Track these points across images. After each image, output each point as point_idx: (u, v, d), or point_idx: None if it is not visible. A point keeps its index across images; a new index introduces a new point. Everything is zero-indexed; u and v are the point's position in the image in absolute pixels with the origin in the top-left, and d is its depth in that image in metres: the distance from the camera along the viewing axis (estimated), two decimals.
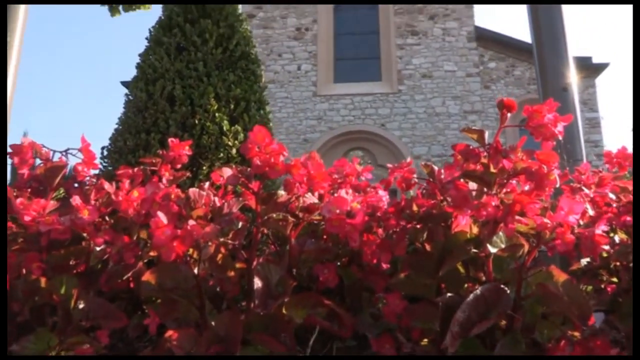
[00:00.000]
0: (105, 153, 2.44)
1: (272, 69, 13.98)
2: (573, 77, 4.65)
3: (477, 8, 16.47)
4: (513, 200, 0.88)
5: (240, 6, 2.99)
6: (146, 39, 2.72)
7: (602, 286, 1.44)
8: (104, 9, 10.71)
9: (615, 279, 1.41)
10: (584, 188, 1.41)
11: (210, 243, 0.98)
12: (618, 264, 1.36)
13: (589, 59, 15.16)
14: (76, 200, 1.01)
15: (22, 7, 3.08)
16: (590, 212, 1.04)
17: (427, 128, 13.37)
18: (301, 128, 13.51)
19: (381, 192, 1.39)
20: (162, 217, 0.84)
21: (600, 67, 15.60)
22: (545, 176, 0.88)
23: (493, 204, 0.89)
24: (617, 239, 1.34)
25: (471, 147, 1.00)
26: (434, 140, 13.22)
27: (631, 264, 1.24)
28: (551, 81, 4.43)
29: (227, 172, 0.96)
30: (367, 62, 14.36)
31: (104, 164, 2.43)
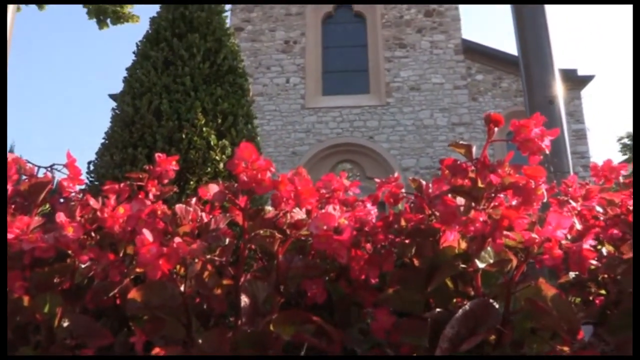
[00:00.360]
0: (92, 167, 2.42)
1: (260, 82, 14.02)
2: (559, 89, 4.70)
3: (465, 21, 16.64)
4: (501, 216, 0.88)
5: (228, 20, 3.00)
6: (133, 53, 2.72)
7: (591, 298, 1.44)
8: (92, 22, 10.67)
9: (603, 292, 1.41)
10: (571, 201, 1.41)
11: (197, 260, 0.97)
12: (606, 276, 1.36)
13: (574, 71, 15.37)
14: (61, 217, 0.99)
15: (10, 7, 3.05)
16: (578, 226, 1.04)
17: (416, 140, 13.43)
18: (289, 141, 13.52)
19: (369, 206, 1.39)
20: (147, 234, 0.83)
21: (586, 79, 15.82)
22: (532, 191, 0.88)
23: (481, 219, 0.88)
24: (604, 251, 1.34)
25: (459, 161, 1.00)
26: (423, 152, 13.28)
27: (619, 277, 1.25)
28: (537, 93, 4.47)
29: (214, 188, 0.95)
30: (355, 74, 14.44)
31: (90, 179, 2.41)
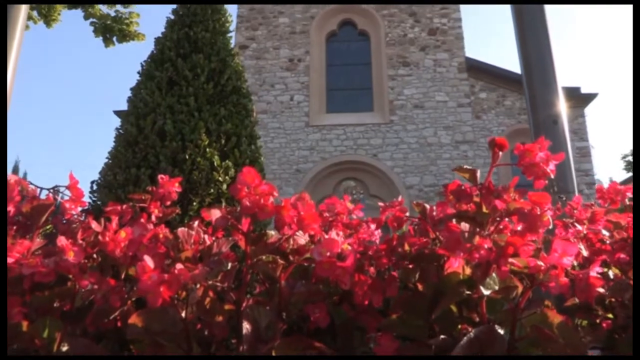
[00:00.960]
0: (95, 187, 2.42)
1: (264, 100, 14.07)
2: (562, 107, 4.69)
3: (468, 40, 16.73)
4: (506, 243, 0.87)
5: (232, 40, 3.01)
6: (138, 73, 2.73)
7: (598, 321, 1.42)
8: (98, 40, 10.74)
9: (610, 315, 1.39)
10: (576, 224, 1.40)
11: (198, 286, 0.96)
12: (613, 300, 1.35)
13: (577, 89, 15.39)
14: (62, 240, 0.99)
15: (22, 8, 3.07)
16: (584, 253, 1.02)
17: (419, 158, 13.43)
18: (294, 158, 13.53)
19: (373, 227, 1.38)
20: (148, 261, 0.82)
21: (589, 97, 15.83)
22: (538, 217, 0.87)
23: (486, 246, 0.87)
24: (611, 274, 1.32)
25: (463, 186, 0.99)
26: (426, 170, 13.27)
27: (627, 301, 1.23)
28: (541, 112, 4.47)
29: (216, 213, 0.95)
30: (359, 92, 14.49)
31: (93, 199, 2.41)
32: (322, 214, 1.22)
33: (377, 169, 13.42)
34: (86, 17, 10.32)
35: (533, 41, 5.62)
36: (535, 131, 4.44)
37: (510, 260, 0.86)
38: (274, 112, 14.01)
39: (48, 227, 1.44)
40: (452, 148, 13.62)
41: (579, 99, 15.16)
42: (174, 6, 2.94)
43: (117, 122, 2.91)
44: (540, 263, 0.86)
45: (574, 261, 0.91)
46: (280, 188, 13.00)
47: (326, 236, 0.97)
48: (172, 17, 2.85)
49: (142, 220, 1.18)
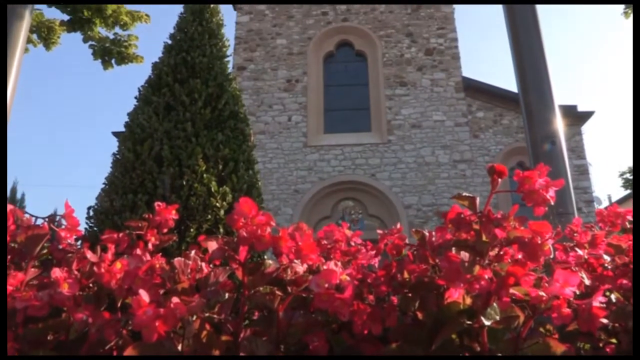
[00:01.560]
0: (92, 213, 2.40)
1: (262, 120, 14.12)
2: (560, 127, 4.71)
3: (464, 60, 16.86)
4: (507, 273, 0.86)
5: (230, 65, 3.01)
6: (135, 97, 2.72)
7: (601, 345, 1.40)
8: (97, 63, 10.77)
9: (614, 340, 1.37)
10: (577, 249, 1.38)
11: (195, 317, 0.95)
12: (617, 325, 1.33)
13: (574, 107, 15.48)
14: (56, 272, 0.97)
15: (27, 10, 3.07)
16: (586, 281, 1.01)
17: (417, 177, 13.43)
18: (292, 179, 13.52)
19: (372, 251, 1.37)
20: (144, 295, 0.80)
21: (586, 115, 15.91)
22: (539, 247, 0.86)
23: (486, 277, 0.86)
24: (613, 297, 1.31)
25: (462, 214, 0.98)
26: (425, 189, 13.26)
27: (630, 327, 1.21)
28: (538, 132, 4.48)
29: (213, 245, 0.93)
30: (356, 112, 14.54)
31: (90, 225, 2.39)
32: (320, 241, 1.21)
33: (375, 189, 13.41)
34: (85, 40, 10.39)
35: (529, 61, 5.65)
36: (533, 152, 4.45)
37: (511, 291, 0.85)
38: (272, 133, 14.04)
39: (44, 252, 1.43)
40: (450, 167, 13.63)
41: (576, 117, 15.24)
42: (173, 10, 2.96)
43: (115, 142, 2.90)
44: (542, 293, 0.85)
45: (576, 290, 0.89)
46: (279, 208, 12.98)
47: (324, 266, 0.95)
48: (170, 42, 2.86)
49: (139, 249, 1.17)
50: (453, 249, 0.96)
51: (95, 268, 1.02)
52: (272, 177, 13.30)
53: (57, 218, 1.32)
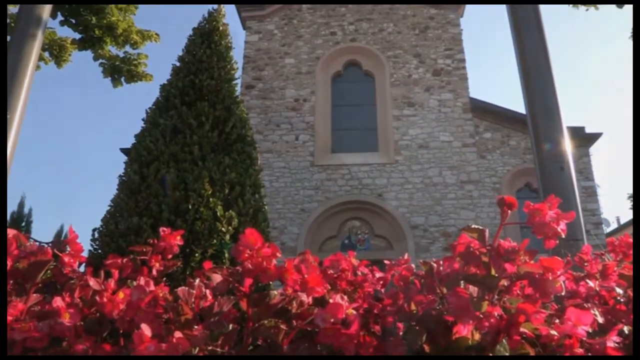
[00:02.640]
0: (96, 235, 2.39)
1: (270, 139, 14.15)
2: (569, 150, 4.68)
3: (472, 81, 16.89)
4: (517, 310, 0.84)
5: (238, 88, 3.02)
6: (142, 120, 2.72)
7: None
8: (107, 81, 10.87)
9: None
10: (588, 281, 1.36)
11: (197, 349, 0.93)
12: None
13: (582, 128, 15.45)
14: (58, 302, 0.96)
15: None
16: (600, 319, 0.98)
17: (424, 198, 13.37)
18: (298, 198, 13.50)
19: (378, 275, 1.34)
20: (146, 330, 0.78)
21: (594, 137, 15.87)
22: (550, 283, 0.84)
23: (496, 314, 0.84)
24: (626, 330, 1.28)
25: (471, 248, 0.96)
26: (432, 210, 13.20)
27: None
28: (547, 156, 4.46)
29: (217, 278, 0.92)
30: (364, 132, 14.55)
31: (95, 247, 2.38)
32: (327, 270, 1.19)
33: (382, 209, 13.36)
34: (96, 58, 10.50)
35: (538, 83, 5.62)
36: (541, 175, 4.41)
37: (521, 329, 0.83)
38: (279, 152, 14.06)
39: (47, 274, 1.42)
40: (457, 188, 13.58)
41: (584, 139, 15.21)
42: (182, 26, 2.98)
43: (123, 158, 2.89)
44: (553, 332, 0.82)
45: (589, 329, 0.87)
46: (285, 227, 12.95)
47: (331, 299, 0.93)
48: (178, 64, 2.86)
49: (143, 276, 1.15)
50: (461, 282, 0.94)
51: (97, 297, 1.01)
52: (279, 196, 13.28)
53: (62, 243, 1.31)
